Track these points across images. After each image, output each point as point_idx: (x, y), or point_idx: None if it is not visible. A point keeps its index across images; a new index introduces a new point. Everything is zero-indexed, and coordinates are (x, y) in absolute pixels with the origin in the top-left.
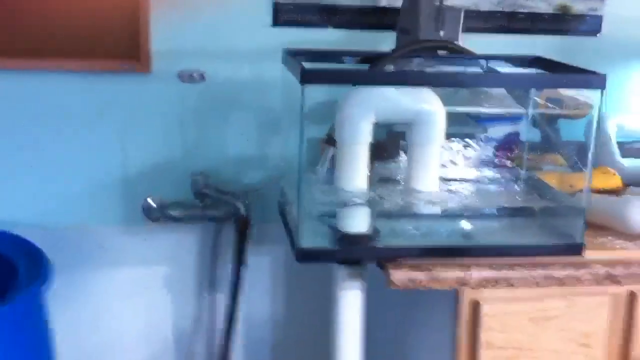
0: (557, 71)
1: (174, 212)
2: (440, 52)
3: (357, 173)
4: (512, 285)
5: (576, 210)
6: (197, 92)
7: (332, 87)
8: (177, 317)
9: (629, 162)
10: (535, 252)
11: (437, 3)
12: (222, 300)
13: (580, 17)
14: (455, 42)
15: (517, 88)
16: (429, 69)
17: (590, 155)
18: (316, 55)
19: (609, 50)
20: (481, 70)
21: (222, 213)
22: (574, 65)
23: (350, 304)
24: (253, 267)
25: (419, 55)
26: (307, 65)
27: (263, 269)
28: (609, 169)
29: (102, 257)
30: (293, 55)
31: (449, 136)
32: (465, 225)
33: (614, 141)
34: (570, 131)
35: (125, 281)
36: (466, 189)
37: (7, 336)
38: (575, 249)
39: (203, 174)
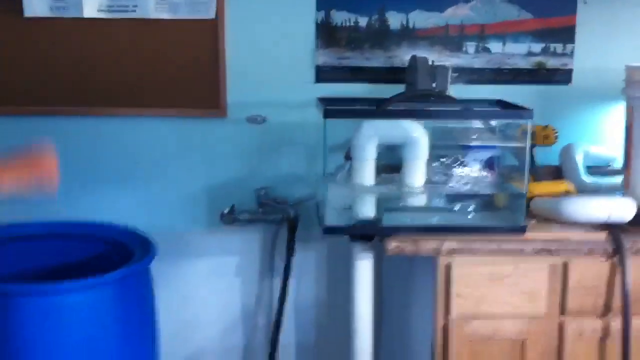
0: (507, 108)
1: (243, 217)
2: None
3: (366, 180)
4: (474, 254)
5: (521, 204)
6: (260, 131)
7: (348, 121)
8: (244, 298)
9: (590, 179)
10: (491, 231)
11: (430, 63)
12: (278, 284)
13: (554, 71)
14: (440, 91)
15: (472, 119)
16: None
17: (527, 169)
18: (340, 101)
19: (578, 97)
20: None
21: (278, 217)
22: (526, 106)
23: (363, 270)
24: (301, 260)
25: (415, 100)
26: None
27: (309, 261)
28: (564, 181)
29: (189, 252)
30: (324, 102)
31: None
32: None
33: (579, 164)
34: (545, 156)
35: (206, 270)
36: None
37: (128, 294)
38: (521, 230)
39: (264, 189)
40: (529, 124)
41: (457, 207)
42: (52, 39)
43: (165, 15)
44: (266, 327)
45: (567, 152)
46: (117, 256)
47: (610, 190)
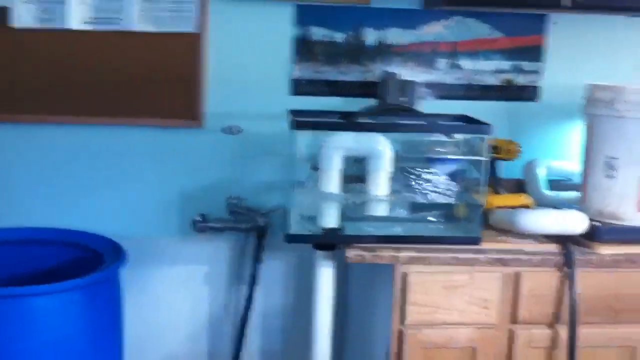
0: (471, 123)
1: (214, 225)
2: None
3: (331, 189)
4: (429, 263)
5: (477, 215)
6: (236, 141)
7: (318, 133)
8: (213, 304)
9: (551, 193)
10: (447, 241)
11: (400, 78)
12: (246, 290)
13: (522, 88)
14: (408, 105)
15: (434, 132)
16: (375, 121)
17: (483, 182)
18: (311, 113)
19: (545, 113)
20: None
21: (248, 226)
22: (486, 122)
23: (325, 278)
24: (269, 267)
25: (383, 114)
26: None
27: (277, 269)
28: (523, 194)
29: (160, 259)
30: (294, 114)
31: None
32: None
33: (541, 178)
34: (512, 170)
35: (176, 277)
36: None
37: (97, 298)
38: (475, 240)
39: (236, 198)
40: (486, 139)
41: (416, 217)
42: (38, 50)
43: (148, 28)
44: (232, 334)
45: (529, 166)
46: (89, 262)
47: (568, 204)
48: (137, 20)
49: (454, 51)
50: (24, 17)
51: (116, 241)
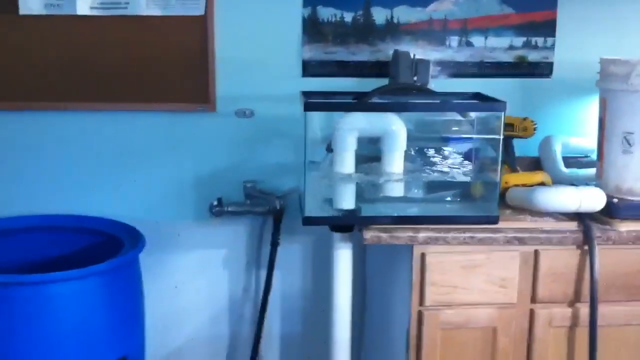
0: (485, 101)
1: (230, 208)
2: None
3: (346, 170)
4: (447, 243)
5: (494, 194)
6: (248, 125)
7: (331, 114)
8: (231, 288)
9: (568, 170)
10: (465, 221)
11: (412, 57)
12: (264, 274)
13: (535, 64)
14: (420, 84)
15: (447, 111)
16: (388, 101)
17: (500, 160)
18: (324, 94)
19: (558, 89)
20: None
21: (264, 209)
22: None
23: (342, 260)
24: (286, 250)
25: (396, 93)
26: (310, 99)
27: (294, 252)
28: (540, 172)
29: (178, 244)
30: (306, 95)
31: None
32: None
33: (558, 155)
34: (527, 148)
35: (194, 261)
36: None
37: (117, 284)
38: (493, 220)
39: (252, 181)
40: (502, 116)
41: (433, 197)
42: (46, 36)
43: (156, 12)
44: (252, 317)
45: (545, 143)
46: (107, 247)
47: (586, 181)
48: (144, 5)
49: (464, 28)
50: (31, 3)
51: (134, 226)
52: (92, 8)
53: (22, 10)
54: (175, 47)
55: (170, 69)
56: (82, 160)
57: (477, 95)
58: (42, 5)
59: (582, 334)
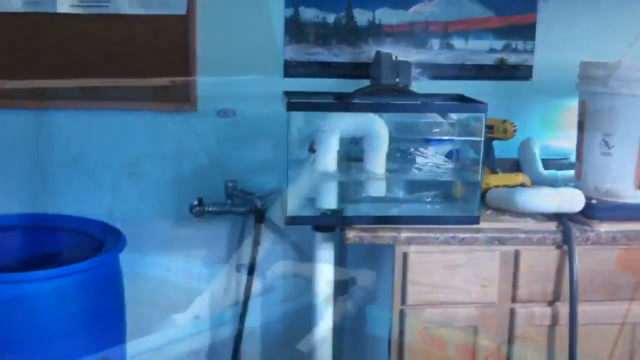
0: (466, 102)
1: (211, 208)
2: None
3: (328, 171)
4: (429, 242)
5: (475, 195)
6: (230, 124)
7: (314, 114)
8: (212, 287)
9: (547, 172)
10: (446, 221)
11: (394, 59)
12: (245, 274)
13: (515, 67)
14: (402, 85)
15: (429, 112)
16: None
17: (480, 163)
18: (306, 95)
19: (538, 92)
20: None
21: (245, 209)
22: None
23: (324, 259)
24: (268, 250)
25: (378, 94)
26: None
27: (276, 252)
28: (520, 173)
29: (159, 244)
30: (289, 96)
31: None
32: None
33: (537, 157)
34: (507, 150)
35: (175, 260)
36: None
37: (98, 283)
38: (474, 220)
39: (233, 181)
40: (483, 118)
41: (415, 197)
42: (25, 34)
43: (137, 11)
44: (233, 316)
45: (525, 145)
46: (87, 247)
47: (565, 182)
48: (125, 3)
49: (445, 31)
50: (10, 0)
51: (114, 226)
52: (72, 6)
53: (0, 7)
54: (157, 46)
55: (151, 68)
56: (61, 159)
57: (459, 97)
58: (21, 2)
59: (562, 333)
